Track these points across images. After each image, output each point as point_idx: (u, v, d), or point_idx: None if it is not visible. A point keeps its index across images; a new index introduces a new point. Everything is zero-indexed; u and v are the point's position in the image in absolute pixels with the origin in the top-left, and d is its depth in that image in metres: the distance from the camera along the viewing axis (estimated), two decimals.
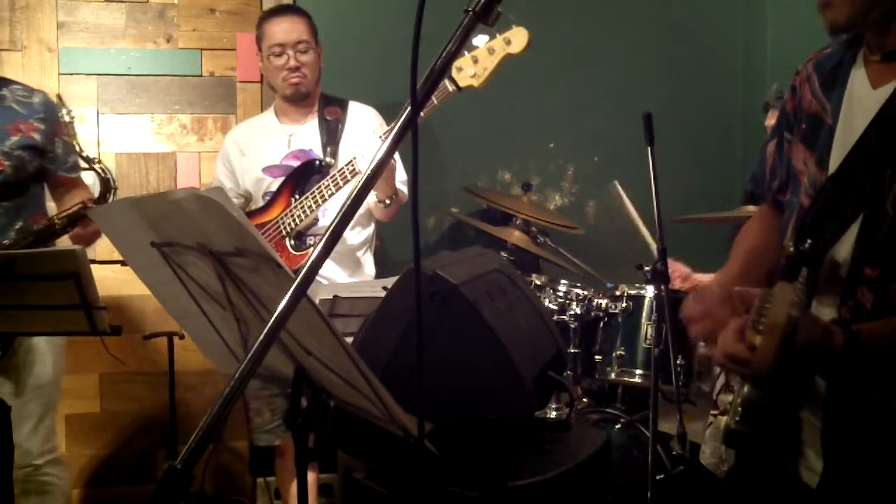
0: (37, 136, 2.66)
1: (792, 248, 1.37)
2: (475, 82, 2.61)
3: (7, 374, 2.61)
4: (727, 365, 1.42)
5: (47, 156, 2.69)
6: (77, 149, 2.53)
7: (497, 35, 2.58)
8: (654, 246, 2.59)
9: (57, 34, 3.38)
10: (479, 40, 2.60)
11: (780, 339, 1.25)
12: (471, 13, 1.05)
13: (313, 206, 2.81)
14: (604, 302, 2.90)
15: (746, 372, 1.34)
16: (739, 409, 1.41)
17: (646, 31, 3.77)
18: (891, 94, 1.37)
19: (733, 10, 3.89)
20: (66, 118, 2.54)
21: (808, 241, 1.36)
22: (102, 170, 2.51)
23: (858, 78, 1.45)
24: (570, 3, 3.71)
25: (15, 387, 2.61)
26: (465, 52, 2.61)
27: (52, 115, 2.63)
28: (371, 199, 2.94)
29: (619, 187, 3.07)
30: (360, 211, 3.01)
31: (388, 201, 2.86)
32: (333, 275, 2.94)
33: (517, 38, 2.57)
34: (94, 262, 2.72)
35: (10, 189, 2.63)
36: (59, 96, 2.65)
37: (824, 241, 1.37)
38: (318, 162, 2.93)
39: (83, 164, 2.62)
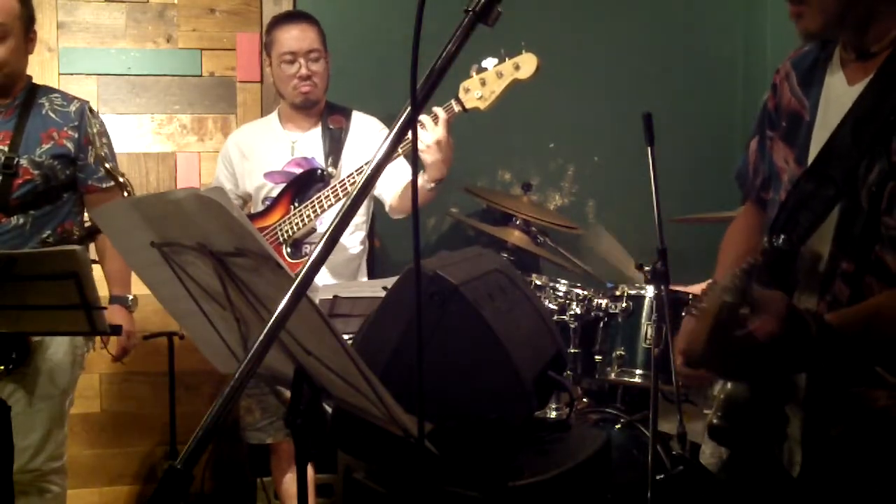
0: (69, 145, 2.66)
1: (767, 244, 1.38)
2: (481, 104, 2.62)
3: (22, 383, 2.61)
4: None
5: (78, 164, 2.69)
6: (102, 159, 2.50)
7: (507, 59, 2.60)
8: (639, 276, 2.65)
9: (57, 34, 3.38)
10: (489, 62, 2.60)
11: (711, 322, 1.29)
12: (471, 13, 1.06)
13: (311, 216, 2.80)
14: (604, 302, 2.90)
15: (685, 356, 1.43)
16: (721, 404, 1.43)
17: (645, 31, 3.77)
18: (864, 89, 1.39)
19: (733, 10, 3.88)
20: (93, 129, 2.54)
21: (783, 235, 1.37)
22: (124, 182, 2.48)
23: (835, 76, 1.48)
24: (570, 3, 3.71)
25: (29, 396, 2.62)
26: (474, 74, 2.61)
27: (86, 123, 2.63)
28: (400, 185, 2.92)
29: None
30: (361, 218, 3.02)
31: (434, 184, 2.72)
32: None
33: (526, 64, 2.59)
34: (94, 262, 2.74)
35: (39, 197, 2.63)
36: (90, 108, 2.65)
37: (798, 236, 1.38)
38: (319, 171, 2.92)
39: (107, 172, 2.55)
